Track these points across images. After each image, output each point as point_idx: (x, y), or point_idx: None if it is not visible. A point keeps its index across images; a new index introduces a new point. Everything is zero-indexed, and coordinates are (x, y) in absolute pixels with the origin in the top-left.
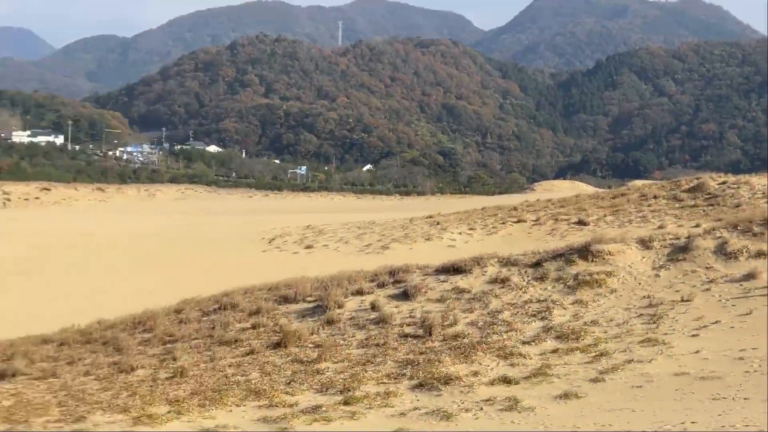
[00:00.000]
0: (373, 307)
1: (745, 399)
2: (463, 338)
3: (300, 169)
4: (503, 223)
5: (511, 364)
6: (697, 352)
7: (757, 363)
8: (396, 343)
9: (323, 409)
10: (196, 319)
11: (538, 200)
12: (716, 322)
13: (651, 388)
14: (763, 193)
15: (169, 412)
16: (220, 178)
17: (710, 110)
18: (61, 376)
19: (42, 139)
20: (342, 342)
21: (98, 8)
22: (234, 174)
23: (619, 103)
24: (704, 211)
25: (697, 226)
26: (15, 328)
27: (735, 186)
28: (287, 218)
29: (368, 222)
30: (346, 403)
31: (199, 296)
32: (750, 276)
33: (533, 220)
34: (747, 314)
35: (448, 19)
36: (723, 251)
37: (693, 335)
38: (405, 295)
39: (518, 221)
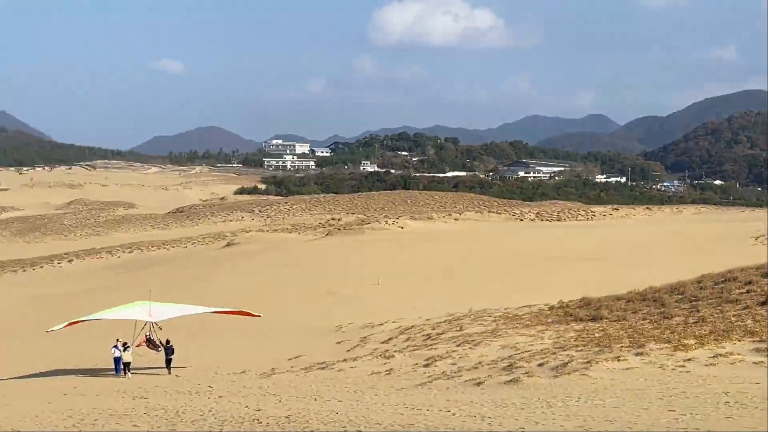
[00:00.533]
0: None
1: None
2: None
3: None
4: None
5: None
6: None
7: None
8: None
9: None
10: (709, 287)
11: None
12: None
13: None
14: None
15: (695, 343)
16: (722, 200)
17: None
18: (628, 320)
19: (612, 179)
20: None
21: (645, 98)
22: (731, 197)
23: None
24: None
25: None
26: (598, 290)
27: None
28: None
29: None
30: None
31: (711, 272)
32: None
33: None
34: None
35: None
36: None
37: None
38: None
39: None
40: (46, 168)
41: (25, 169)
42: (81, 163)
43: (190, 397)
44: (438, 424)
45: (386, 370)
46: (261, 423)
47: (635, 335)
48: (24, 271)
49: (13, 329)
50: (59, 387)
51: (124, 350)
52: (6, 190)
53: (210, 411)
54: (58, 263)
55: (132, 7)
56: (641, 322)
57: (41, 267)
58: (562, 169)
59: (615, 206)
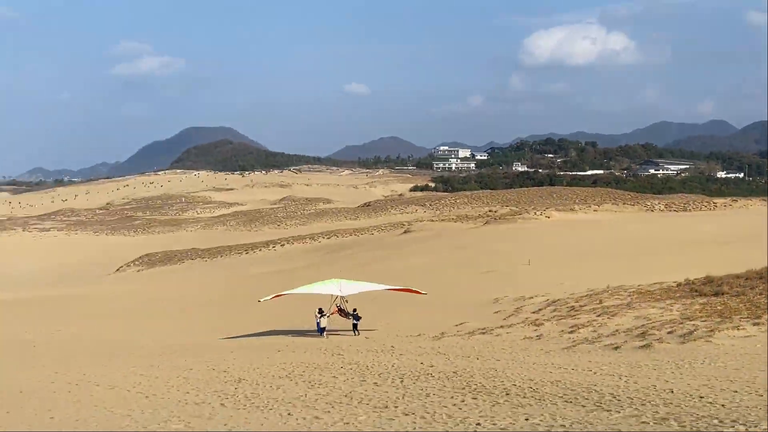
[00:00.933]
0: None
1: None
2: None
3: None
4: None
5: None
6: None
7: None
8: None
9: None
10: None
11: None
12: None
13: None
14: None
15: None
16: None
17: None
18: (747, 294)
19: (732, 175)
20: None
21: (761, 104)
22: None
23: None
24: None
25: None
26: (720, 269)
27: None
28: None
29: None
30: None
31: None
32: None
33: None
34: None
35: None
36: None
37: None
38: None
39: None
40: (262, 172)
41: (246, 173)
42: (290, 168)
43: (376, 355)
44: (581, 380)
45: (536, 336)
46: (433, 376)
47: (753, 308)
48: (247, 253)
49: (237, 299)
50: (274, 345)
51: (321, 316)
52: (233, 189)
53: (393, 366)
54: (273, 247)
55: (326, 41)
56: (758, 296)
57: (260, 250)
58: (688, 167)
59: (734, 198)
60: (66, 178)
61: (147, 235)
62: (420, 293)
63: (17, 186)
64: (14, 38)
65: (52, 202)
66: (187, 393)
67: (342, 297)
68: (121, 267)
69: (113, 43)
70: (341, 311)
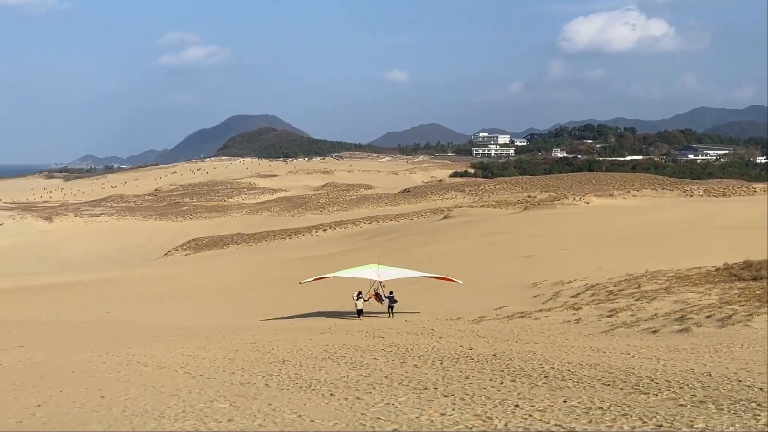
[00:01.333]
0: None
1: None
2: None
3: None
4: None
5: None
6: None
7: None
8: None
9: None
10: None
11: None
12: None
13: None
14: None
15: None
16: None
17: None
18: None
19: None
20: None
21: None
22: None
23: None
24: None
25: None
26: (759, 254)
27: None
28: None
29: None
30: None
31: None
32: None
33: None
34: None
35: None
36: None
37: None
38: None
39: None
40: (305, 158)
41: (290, 159)
42: (332, 155)
43: (416, 337)
44: (619, 364)
45: (575, 320)
46: (473, 359)
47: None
48: (290, 238)
49: (281, 282)
50: (317, 327)
51: (359, 299)
52: (276, 176)
53: (432, 348)
54: (315, 232)
55: (367, 30)
56: None
57: (303, 235)
58: (727, 152)
59: None
60: (115, 165)
61: (194, 220)
62: (455, 282)
63: (69, 173)
64: (65, 29)
65: (103, 188)
66: (233, 373)
67: (380, 282)
68: (169, 251)
69: (160, 34)
70: (378, 296)
